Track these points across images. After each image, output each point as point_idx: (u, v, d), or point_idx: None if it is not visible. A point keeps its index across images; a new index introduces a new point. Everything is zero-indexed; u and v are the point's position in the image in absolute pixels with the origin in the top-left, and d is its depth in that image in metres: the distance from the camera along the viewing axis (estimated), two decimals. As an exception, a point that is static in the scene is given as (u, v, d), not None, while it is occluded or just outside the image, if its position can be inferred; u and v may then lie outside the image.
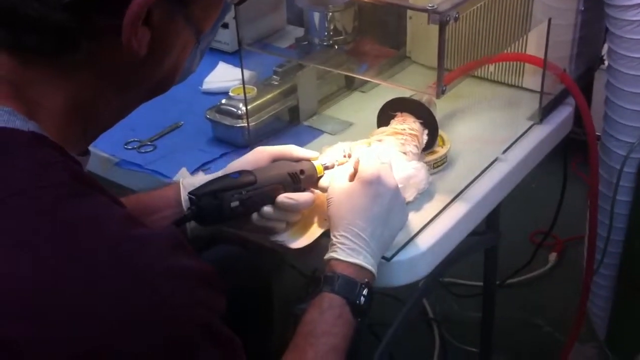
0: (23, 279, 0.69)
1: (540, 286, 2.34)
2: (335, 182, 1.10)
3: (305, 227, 1.15)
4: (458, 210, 1.22)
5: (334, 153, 1.19)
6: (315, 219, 1.15)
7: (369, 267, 1.03)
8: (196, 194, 1.07)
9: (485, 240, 1.60)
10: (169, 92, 1.48)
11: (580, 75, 1.55)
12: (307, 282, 2.05)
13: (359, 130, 1.40)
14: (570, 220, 1.86)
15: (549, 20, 1.35)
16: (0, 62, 0.79)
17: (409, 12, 1.51)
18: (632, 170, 1.50)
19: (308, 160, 1.16)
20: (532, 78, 1.48)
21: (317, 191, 1.16)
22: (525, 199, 2.16)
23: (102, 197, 0.77)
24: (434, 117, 1.28)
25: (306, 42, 1.46)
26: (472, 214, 1.24)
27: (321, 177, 1.16)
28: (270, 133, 1.42)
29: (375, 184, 1.06)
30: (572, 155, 1.64)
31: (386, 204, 1.06)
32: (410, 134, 1.25)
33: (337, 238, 1.04)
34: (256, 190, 1.09)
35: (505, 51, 1.37)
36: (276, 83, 1.45)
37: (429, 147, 1.29)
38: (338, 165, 1.16)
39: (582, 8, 1.44)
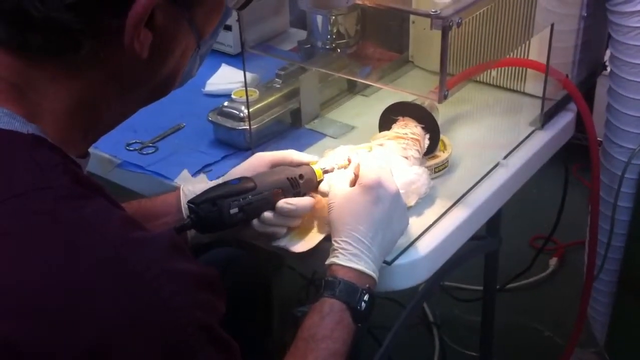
0: (23, 280, 0.69)
1: (540, 291, 2.34)
2: (336, 187, 1.10)
3: (306, 231, 1.15)
4: (459, 214, 1.22)
5: (334, 157, 1.19)
6: (316, 223, 1.15)
7: (370, 272, 1.03)
8: (195, 202, 1.07)
9: (486, 245, 1.60)
10: (171, 93, 1.49)
11: (583, 81, 1.55)
12: (307, 284, 2.05)
13: (360, 134, 1.40)
14: (570, 225, 1.86)
15: (552, 25, 1.35)
16: (3, 62, 0.79)
17: (412, 17, 1.51)
18: (634, 176, 1.50)
19: (307, 164, 1.16)
20: (534, 83, 1.49)
21: (317, 195, 1.16)
22: (526, 204, 2.17)
23: (101, 199, 0.77)
24: (435, 122, 1.28)
25: (309, 45, 1.46)
26: (473, 218, 1.24)
27: (321, 181, 1.16)
28: (272, 136, 1.42)
29: (376, 189, 1.06)
30: (574, 161, 1.65)
31: (387, 209, 1.06)
32: (412, 138, 1.25)
33: (338, 243, 1.04)
34: (256, 196, 1.09)
35: (508, 56, 1.37)
36: (278, 86, 1.45)
37: (430, 152, 1.29)
38: (338, 169, 1.16)
39: (585, 14, 1.44)
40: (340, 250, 1.03)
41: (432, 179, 1.25)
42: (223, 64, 1.69)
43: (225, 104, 1.42)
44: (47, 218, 0.72)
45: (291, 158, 1.17)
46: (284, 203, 1.10)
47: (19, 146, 0.76)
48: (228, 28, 1.75)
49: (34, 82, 0.79)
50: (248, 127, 1.38)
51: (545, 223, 1.85)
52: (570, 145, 1.54)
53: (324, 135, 1.44)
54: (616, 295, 1.66)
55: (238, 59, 1.70)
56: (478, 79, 1.56)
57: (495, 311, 1.78)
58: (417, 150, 1.24)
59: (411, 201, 1.19)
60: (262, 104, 1.41)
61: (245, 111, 1.38)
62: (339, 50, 1.44)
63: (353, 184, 1.09)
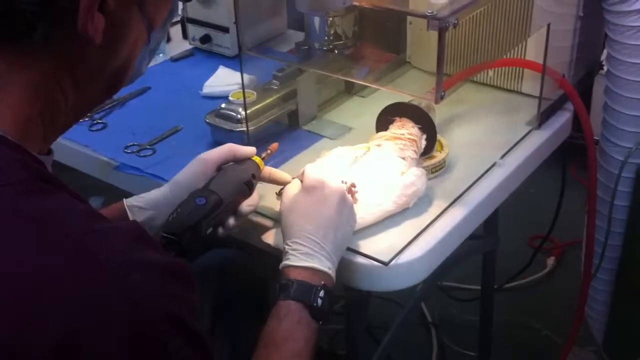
0: None
1: (538, 290, 2.34)
2: (284, 196, 1.12)
3: None
4: (456, 214, 1.22)
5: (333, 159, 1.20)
6: None
7: (325, 269, 1.04)
8: (175, 233, 1.05)
9: (484, 245, 1.60)
10: (168, 95, 1.49)
11: (579, 81, 1.56)
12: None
13: (358, 135, 1.40)
14: (568, 224, 1.86)
15: (548, 25, 1.35)
16: None
17: (409, 18, 1.51)
18: (630, 175, 1.51)
19: (250, 158, 1.18)
20: (531, 83, 1.49)
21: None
22: (523, 203, 2.17)
23: (63, 193, 0.77)
24: (432, 122, 1.29)
25: (306, 47, 1.46)
26: (470, 218, 1.25)
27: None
28: (269, 137, 1.42)
29: (319, 189, 1.08)
30: (571, 160, 1.65)
31: (334, 207, 1.07)
32: (409, 138, 1.25)
33: (289, 245, 1.05)
34: (223, 209, 1.10)
35: (505, 56, 1.38)
36: (276, 87, 1.45)
37: (427, 152, 1.29)
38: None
39: (582, 14, 1.44)
40: (292, 252, 1.04)
41: (429, 179, 1.25)
42: (220, 66, 1.69)
43: (223, 105, 1.42)
44: (6, 215, 0.72)
45: (234, 154, 1.18)
46: (245, 207, 1.13)
47: None
48: (225, 30, 1.75)
49: None
50: (245, 129, 1.38)
51: (542, 222, 1.85)
52: (567, 145, 1.54)
53: (321, 136, 1.45)
54: (614, 294, 1.66)
55: (235, 61, 1.70)
56: (475, 79, 1.56)
57: (494, 310, 1.78)
58: (414, 151, 1.24)
59: (409, 202, 1.19)
60: (260, 105, 1.41)
61: (243, 113, 1.38)
62: (336, 52, 1.44)
63: None
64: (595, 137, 1.48)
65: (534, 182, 1.50)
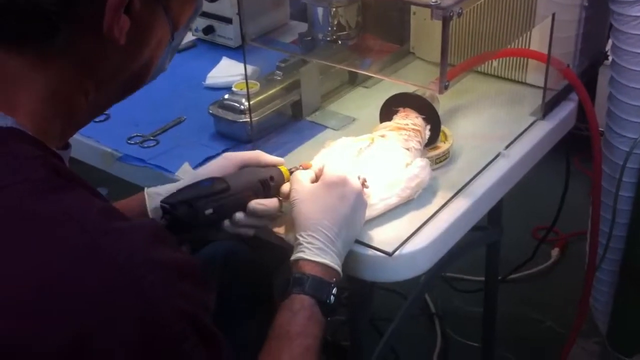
0: (2, 275, 0.69)
1: (542, 281, 2.34)
2: (298, 185, 1.10)
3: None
4: (460, 205, 1.22)
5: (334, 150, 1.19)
6: None
7: (336, 266, 1.04)
8: (170, 203, 1.06)
9: (487, 236, 1.60)
10: (172, 86, 1.48)
11: (584, 71, 1.55)
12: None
13: (361, 126, 1.40)
14: (572, 215, 1.86)
15: (553, 15, 1.35)
16: None
17: (413, 8, 1.51)
18: (635, 166, 1.50)
19: (275, 166, 1.17)
20: (535, 74, 1.48)
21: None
22: (527, 195, 2.16)
23: (81, 190, 0.77)
24: (436, 113, 1.28)
25: (309, 38, 1.46)
26: (474, 209, 1.24)
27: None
28: (272, 128, 1.42)
29: (341, 186, 1.07)
30: (575, 151, 1.64)
31: (351, 205, 1.07)
32: (413, 129, 1.25)
33: (304, 237, 1.04)
34: (229, 198, 1.09)
35: (509, 47, 1.37)
36: (279, 78, 1.45)
37: (431, 143, 1.29)
38: (302, 169, 1.17)
39: (586, 4, 1.44)
40: (306, 245, 1.04)
41: (433, 170, 1.25)
42: (224, 57, 1.69)
43: (226, 96, 1.42)
44: (25, 212, 0.72)
45: (259, 159, 1.17)
46: (255, 204, 1.11)
47: None
48: (229, 21, 1.75)
49: (11, 73, 0.79)
50: (249, 120, 1.38)
51: (547, 213, 1.85)
52: (571, 136, 1.54)
53: (325, 127, 1.44)
54: (618, 285, 1.66)
55: (239, 52, 1.70)
56: (479, 70, 1.55)
57: (497, 302, 1.78)
58: (419, 142, 1.24)
59: (414, 193, 1.19)
60: (263, 96, 1.41)
61: (246, 104, 1.38)
62: (339, 42, 1.44)
63: (314, 182, 1.10)
64: (600, 128, 1.48)
65: (538, 174, 1.49)
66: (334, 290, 1.02)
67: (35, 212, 0.72)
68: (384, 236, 1.15)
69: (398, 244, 1.13)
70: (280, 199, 1.14)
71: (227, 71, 1.63)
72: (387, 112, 1.31)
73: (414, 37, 1.59)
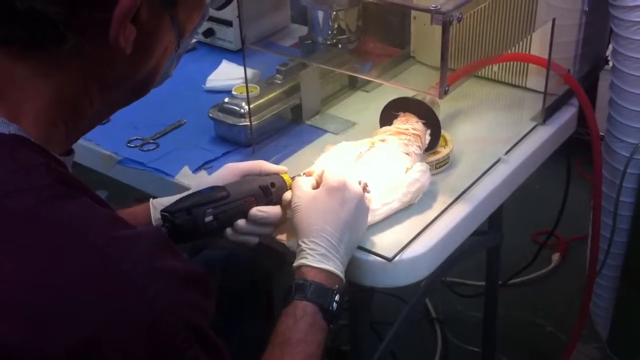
0: (7, 282, 0.69)
1: (542, 286, 2.34)
2: (299, 191, 1.10)
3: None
4: (460, 210, 1.22)
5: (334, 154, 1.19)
6: None
7: (339, 273, 1.04)
8: (169, 211, 1.06)
9: (488, 241, 1.60)
10: (172, 90, 1.48)
11: (585, 76, 1.55)
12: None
13: (361, 130, 1.40)
14: (573, 220, 1.86)
15: (553, 20, 1.35)
16: None
17: (413, 12, 1.51)
18: (636, 171, 1.50)
19: (277, 174, 1.17)
20: (535, 78, 1.48)
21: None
22: (528, 199, 2.16)
23: (85, 198, 0.77)
24: (436, 117, 1.28)
25: (310, 41, 1.46)
26: (475, 214, 1.24)
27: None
28: (272, 132, 1.42)
29: (341, 191, 1.07)
30: (576, 156, 1.64)
31: (353, 211, 1.07)
32: (413, 134, 1.24)
33: (306, 244, 1.04)
34: (229, 205, 1.09)
35: (509, 51, 1.37)
36: (279, 82, 1.45)
37: (431, 148, 1.29)
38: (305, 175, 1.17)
39: (587, 9, 1.43)
40: (309, 251, 1.03)
41: (433, 174, 1.25)
42: (224, 60, 1.69)
43: (226, 100, 1.42)
44: (30, 220, 0.72)
45: (261, 168, 1.17)
46: (256, 211, 1.10)
47: (0, 147, 0.75)
48: (229, 24, 1.75)
49: (16, 79, 0.78)
50: (249, 124, 1.38)
51: (547, 218, 1.84)
52: (572, 140, 1.53)
53: (325, 131, 1.44)
54: (619, 290, 1.66)
55: (239, 55, 1.70)
56: (479, 74, 1.55)
57: (498, 306, 1.78)
58: (419, 146, 1.24)
59: (414, 198, 1.19)
60: (263, 100, 1.41)
61: (246, 107, 1.38)
62: (340, 46, 1.44)
63: (315, 188, 1.10)
64: (600, 133, 1.48)
65: (539, 178, 1.49)
66: (337, 297, 1.02)
67: (41, 220, 0.72)
68: (384, 241, 1.14)
69: (398, 249, 1.13)
70: (283, 205, 1.14)
71: (227, 74, 1.63)
72: (387, 117, 1.31)
73: (414, 41, 1.59)
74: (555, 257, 2.42)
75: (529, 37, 1.38)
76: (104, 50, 0.79)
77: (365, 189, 1.12)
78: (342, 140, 1.28)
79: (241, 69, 1.41)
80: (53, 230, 0.72)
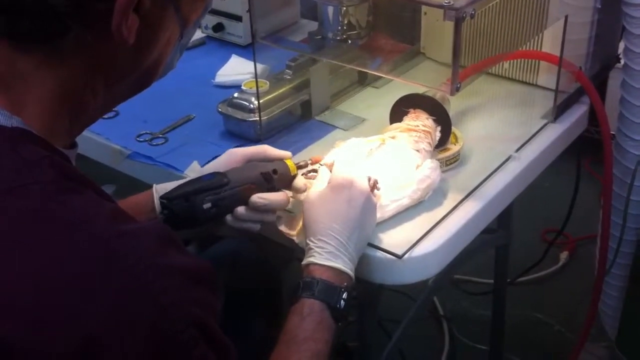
0: (12, 278, 0.69)
1: (551, 285, 2.33)
2: (312, 189, 1.10)
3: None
4: (470, 208, 1.21)
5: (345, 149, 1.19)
6: None
7: (348, 270, 1.03)
8: (167, 198, 1.06)
9: (497, 239, 1.59)
10: (181, 84, 1.48)
11: (596, 74, 1.54)
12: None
13: (371, 126, 1.39)
14: (582, 219, 1.85)
15: (566, 17, 1.34)
16: None
17: (424, 8, 1.50)
18: (647, 170, 1.49)
19: (281, 160, 1.16)
20: (547, 76, 1.47)
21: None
22: (537, 198, 2.15)
23: (90, 192, 0.76)
24: (447, 114, 1.28)
25: (319, 37, 1.45)
26: (484, 212, 1.23)
27: (295, 176, 1.15)
28: (281, 127, 1.42)
29: (348, 189, 1.06)
30: (586, 154, 1.63)
31: (360, 208, 1.06)
32: (424, 130, 1.24)
33: (314, 242, 1.04)
34: (229, 192, 1.08)
35: (521, 49, 1.36)
36: (289, 77, 1.44)
37: (441, 144, 1.28)
38: (311, 164, 1.16)
39: (599, 6, 1.43)
40: (317, 249, 1.03)
41: (443, 172, 1.24)
42: (233, 55, 1.68)
43: (236, 95, 1.42)
44: (34, 214, 0.71)
45: (265, 153, 1.16)
46: (257, 198, 1.10)
47: (3, 141, 0.75)
48: (239, 19, 1.74)
49: (19, 71, 0.78)
50: (258, 119, 1.37)
51: (556, 217, 1.84)
52: (582, 139, 1.53)
53: (334, 127, 1.44)
54: (628, 289, 1.65)
55: (248, 50, 1.69)
56: (490, 71, 1.54)
57: (506, 305, 1.77)
58: (429, 143, 1.23)
59: (425, 196, 1.18)
60: (272, 95, 1.41)
61: (256, 102, 1.38)
62: (349, 42, 1.43)
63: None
64: (611, 132, 1.47)
65: (549, 177, 1.48)
66: (344, 295, 1.01)
67: (45, 214, 0.72)
68: (393, 238, 1.14)
69: (408, 246, 1.12)
70: (286, 192, 1.13)
71: (237, 69, 1.63)
72: (398, 113, 1.30)
73: (424, 37, 1.58)
74: (564, 255, 2.42)
75: (540, 34, 1.37)
76: (107, 41, 0.79)
77: (375, 186, 1.11)
78: (352, 137, 1.28)
79: (250, 64, 1.41)
80: (58, 226, 0.71)
